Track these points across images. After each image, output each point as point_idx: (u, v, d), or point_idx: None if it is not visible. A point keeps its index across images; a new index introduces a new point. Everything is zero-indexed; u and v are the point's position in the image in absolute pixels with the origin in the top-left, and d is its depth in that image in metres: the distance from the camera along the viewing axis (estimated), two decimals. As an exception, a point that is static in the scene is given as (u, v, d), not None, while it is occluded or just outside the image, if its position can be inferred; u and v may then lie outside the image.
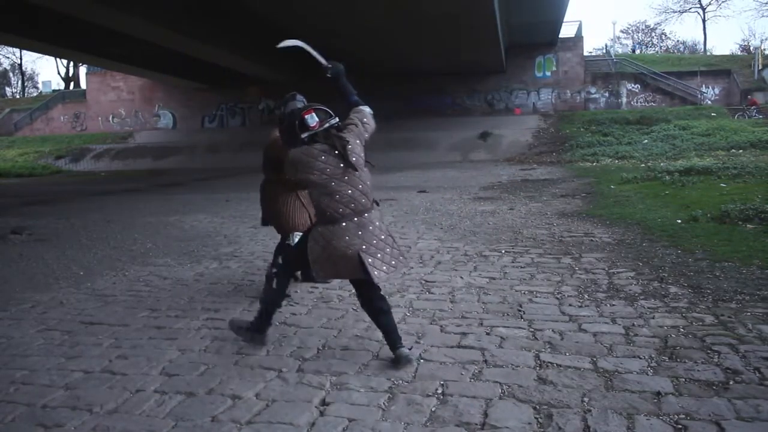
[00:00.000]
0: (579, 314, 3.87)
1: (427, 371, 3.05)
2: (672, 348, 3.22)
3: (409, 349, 3.26)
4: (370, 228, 3.13)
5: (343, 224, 3.10)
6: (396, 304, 4.24)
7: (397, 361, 3.14)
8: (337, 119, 3.25)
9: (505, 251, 6.01)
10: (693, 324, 3.59)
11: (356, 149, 3.16)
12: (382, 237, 3.17)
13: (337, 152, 3.11)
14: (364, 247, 3.09)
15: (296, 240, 4.22)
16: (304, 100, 4.40)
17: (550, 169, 18.57)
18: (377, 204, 3.28)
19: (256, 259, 6.13)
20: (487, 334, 3.58)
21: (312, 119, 3.20)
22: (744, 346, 3.18)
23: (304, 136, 3.19)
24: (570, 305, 4.09)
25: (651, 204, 8.72)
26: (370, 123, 3.34)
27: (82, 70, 43.08)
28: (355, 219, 3.11)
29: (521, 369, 3.04)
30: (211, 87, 32.76)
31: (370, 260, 3.07)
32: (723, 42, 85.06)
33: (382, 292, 3.30)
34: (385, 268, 3.13)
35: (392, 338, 3.20)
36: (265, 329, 3.48)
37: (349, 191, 3.11)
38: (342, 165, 3.11)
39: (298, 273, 4.65)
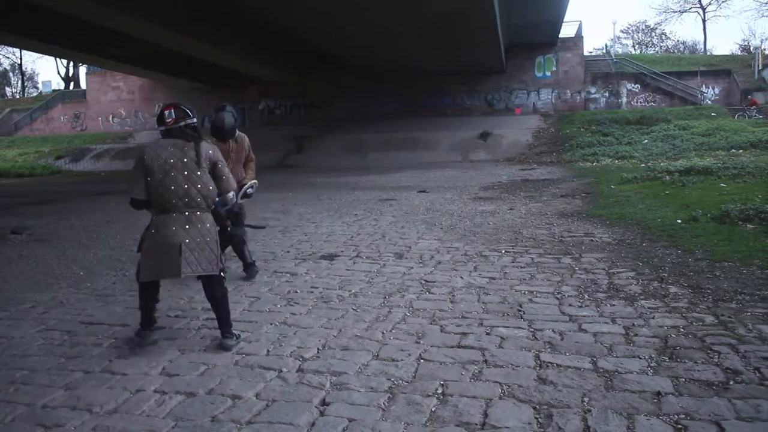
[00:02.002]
0: (579, 314, 3.87)
1: (427, 371, 3.05)
2: (672, 348, 3.22)
3: (236, 338, 3.51)
4: (199, 226, 3.37)
5: (173, 215, 3.34)
6: (396, 304, 4.25)
7: (219, 346, 3.45)
8: (194, 120, 3.49)
9: (505, 251, 6.01)
10: (693, 324, 3.59)
11: (215, 155, 3.47)
12: (207, 239, 3.40)
13: (185, 148, 3.35)
14: (187, 240, 3.31)
15: (237, 231, 5.08)
16: (234, 111, 5.26)
17: (550, 169, 18.56)
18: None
19: (256, 259, 6.12)
20: (487, 334, 3.58)
21: (169, 115, 3.42)
22: (744, 346, 3.19)
23: (160, 129, 3.45)
24: (570, 305, 4.09)
25: (651, 204, 8.72)
26: (226, 184, 3.57)
27: (82, 70, 43.05)
28: (186, 213, 3.35)
29: (521, 369, 3.04)
30: (211, 87, 32.75)
31: (187, 255, 3.30)
32: (723, 42, 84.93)
33: (222, 276, 3.53)
34: (193, 267, 3.34)
35: (221, 326, 3.50)
36: (148, 325, 3.58)
37: (186, 186, 3.34)
38: (185, 160, 3.34)
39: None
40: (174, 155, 3.35)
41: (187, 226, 3.33)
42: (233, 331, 3.55)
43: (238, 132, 5.38)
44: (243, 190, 5.31)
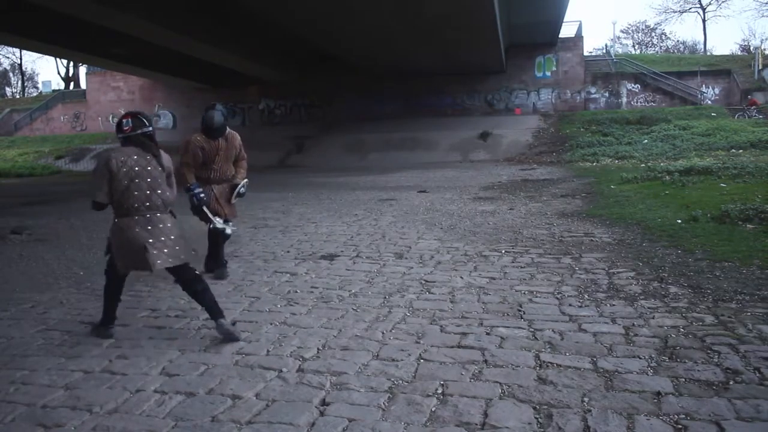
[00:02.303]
0: (579, 314, 3.87)
1: (427, 371, 3.05)
2: (672, 348, 3.22)
3: (233, 324, 3.71)
4: (160, 226, 3.63)
5: (135, 217, 3.59)
6: (396, 304, 4.25)
7: (219, 330, 3.61)
8: (150, 128, 3.73)
9: (505, 251, 6.01)
10: (693, 324, 3.59)
11: (170, 165, 3.76)
12: (172, 237, 3.66)
13: (148, 156, 3.63)
14: (150, 240, 3.57)
15: (216, 225, 5.12)
16: (223, 110, 5.29)
17: (550, 169, 18.56)
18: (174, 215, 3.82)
19: (256, 259, 6.14)
20: (487, 334, 3.58)
21: (127, 123, 3.68)
22: (744, 346, 3.19)
23: (119, 136, 3.71)
24: (570, 305, 4.09)
25: (651, 204, 8.72)
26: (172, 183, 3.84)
27: (82, 70, 43.03)
28: (147, 215, 3.61)
29: (521, 369, 3.04)
30: (211, 87, 32.76)
31: (154, 252, 3.55)
32: (723, 42, 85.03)
33: (197, 273, 3.76)
34: (170, 260, 3.61)
35: (212, 312, 3.66)
36: (108, 322, 3.80)
37: (148, 192, 3.62)
38: (149, 168, 3.63)
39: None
40: (139, 163, 3.61)
41: (149, 227, 3.60)
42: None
43: (229, 130, 5.41)
44: (236, 190, 5.39)
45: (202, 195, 5.10)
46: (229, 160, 5.39)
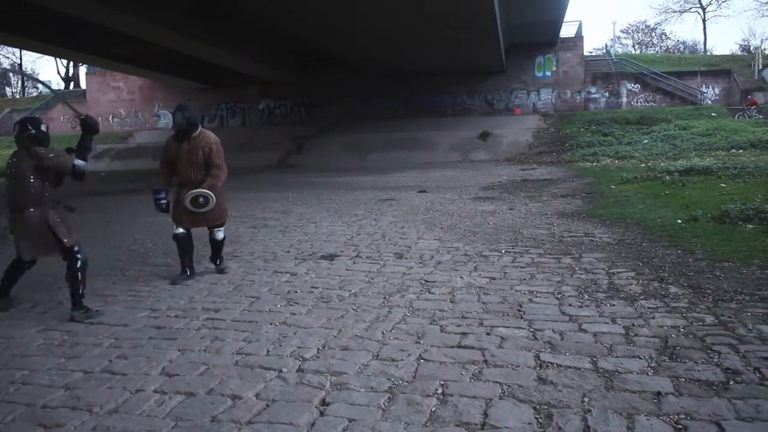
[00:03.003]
0: (579, 314, 3.87)
1: (427, 371, 3.05)
2: (672, 348, 3.22)
3: (86, 311, 4.13)
4: (25, 222, 4.20)
5: (11, 215, 4.26)
6: (396, 304, 4.25)
7: (71, 318, 4.12)
8: (33, 131, 4.14)
9: (505, 251, 6.01)
10: (693, 324, 3.59)
11: (33, 159, 4.09)
12: (38, 230, 4.20)
13: (15, 158, 4.15)
14: (20, 233, 4.26)
15: (175, 231, 5.27)
16: (185, 112, 5.23)
17: (550, 169, 18.55)
18: (71, 209, 4.48)
19: (255, 259, 6.14)
20: (487, 334, 3.58)
21: (15, 127, 4.17)
22: (744, 346, 3.19)
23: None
24: (570, 305, 4.09)
25: (651, 204, 8.72)
26: (62, 166, 4.26)
27: (82, 70, 43.01)
28: (16, 213, 4.22)
29: (521, 369, 3.04)
30: (211, 87, 32.76)
31: (23, 244, 4.28)
32: (723, 42, 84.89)
33: (78, 266, 4.25)
34: (35, 250, 4.32)
35: (72, 300, 4.19)
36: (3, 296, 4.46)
37: (12, 190, 4.22)
38: (14, 170, 4.16)
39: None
40: (12, 164, 4.20)
41: (17, 223, 4.23)
42: (84, 305, 4.20)
43: (203, 132, 5.28)
44: (189, 195, 5.06)
45: (161, 202, 5.23)
46: (194, 165, 5.13)
